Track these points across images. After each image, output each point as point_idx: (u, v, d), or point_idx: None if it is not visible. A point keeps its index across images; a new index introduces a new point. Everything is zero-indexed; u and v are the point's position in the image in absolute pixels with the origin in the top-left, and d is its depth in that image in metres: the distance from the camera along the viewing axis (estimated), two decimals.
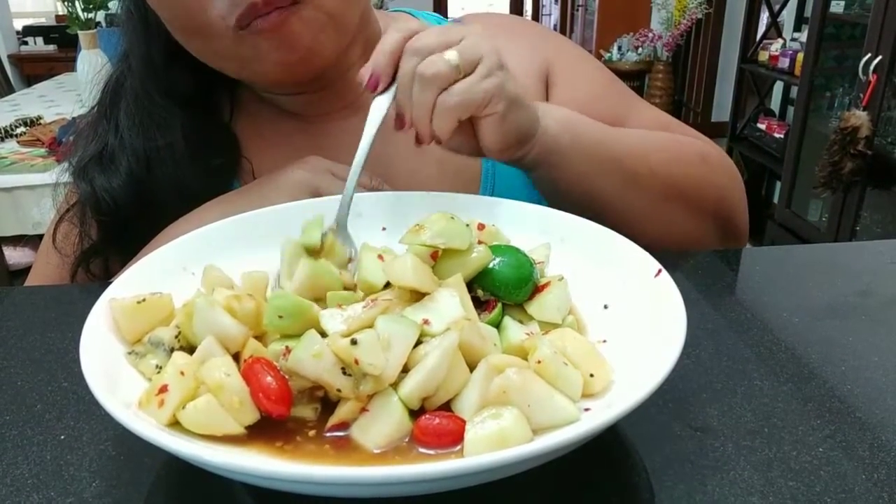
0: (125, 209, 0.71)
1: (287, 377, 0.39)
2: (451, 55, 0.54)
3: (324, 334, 0.41)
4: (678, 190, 0.69)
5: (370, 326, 0.40)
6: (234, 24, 0.61)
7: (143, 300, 0.45)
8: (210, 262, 0.51)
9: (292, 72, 0.66)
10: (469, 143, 0.59)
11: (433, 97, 0.53)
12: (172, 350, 0.42)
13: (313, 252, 0.53)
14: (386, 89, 0.56)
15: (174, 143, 0.71)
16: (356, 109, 0.76)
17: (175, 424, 0.37)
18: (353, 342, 0.37)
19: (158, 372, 0.41)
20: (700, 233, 0.71)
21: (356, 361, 0.37)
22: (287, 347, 0.40)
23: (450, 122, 0.55)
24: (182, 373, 0.38)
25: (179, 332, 0.44)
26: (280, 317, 0.41)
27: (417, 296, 0.45)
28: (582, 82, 0.79)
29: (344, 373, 0.38)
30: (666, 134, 0.74)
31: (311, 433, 0.39)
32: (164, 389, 0.38)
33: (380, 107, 0.56)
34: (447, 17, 0.86)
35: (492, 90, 0.55)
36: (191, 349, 0.43)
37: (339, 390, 0.38)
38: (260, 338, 0.44)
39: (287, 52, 0.64)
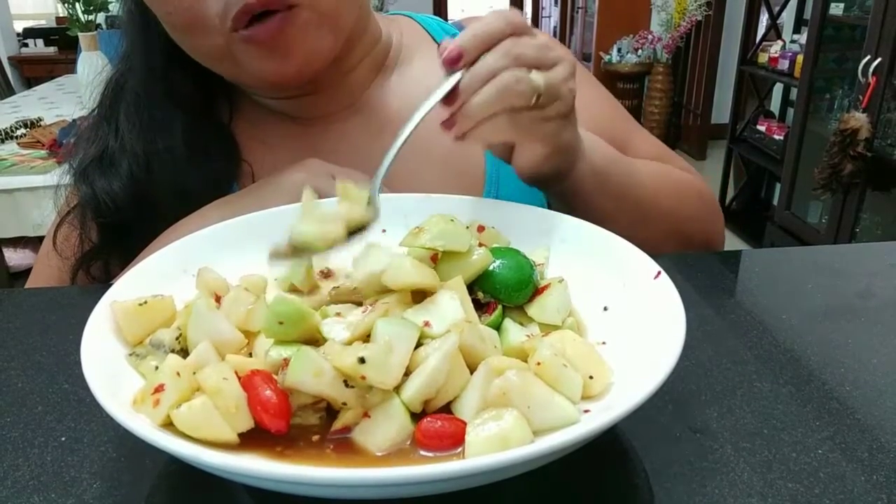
0: (125, 212, 0.71)
1: (287, 392, 0.39)
2: (539, 81, 0.52)
3: (319, 342, 0.41)
4: (677, 227, 0.71)
5: (370, 332, 0.40)
6: (230, 25, 0.62)
7: (145, 302, 0.45)
8: (208, 264, 0.51)
9: (288, 78, 0.67)
10: (502, 149, 0.59)
11: (499, 110, 0.51)
12: (173, 352, 0.42)
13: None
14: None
15: (174, 146, 0.71)
16: (355, 112, 0.76)
17: (169, 426, 0.37)
18: (362, 360, 0.37)
19: None
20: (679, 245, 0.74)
21: (363, 378, 0.37)
22: (285, 360, 0.40)
23: (495, 138, 0.55)
24: (178, 373, 0.38)
25: (181, 335, 0.44)
26: (280, 323, 0.41)
27: (418, 297, 0.45)
28: (583, 104, 0.79)
29: (346, 385, 0.38)
30: (672, 170, 0.76)
31: (315, 439, 0.39)
32: (160, 389, 0.37)
33: (446, 84, 0.51)
34: (447, 20, 0.86)
35: (551, 132, 0.55)
36: (187, 353, 0.42)
37: (344, 404, 0.38)
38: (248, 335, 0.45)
39: (282, 62, 0.64)
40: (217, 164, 0.73)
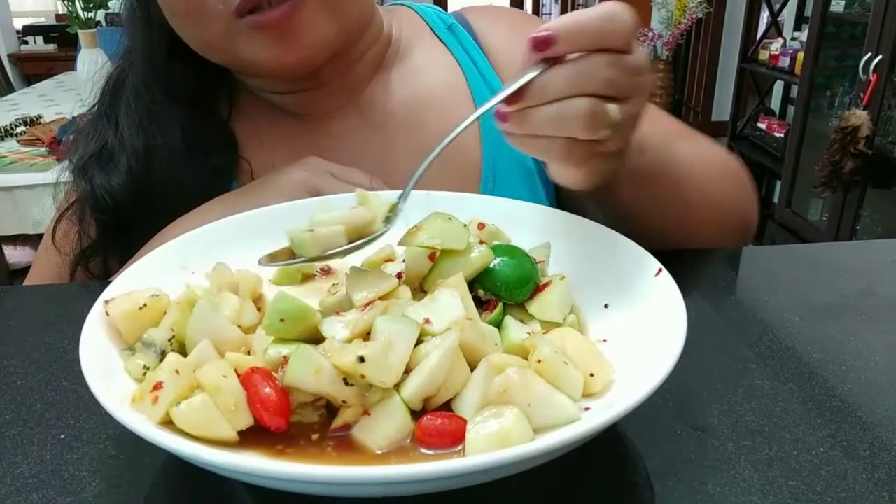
0: (124, 208, 0.71)
1: (287, 390, 0.39)
2: (615, 118, 0.45)
3: (319, 340, 0.41)
4: (716, 210, 0.67)
5: (370, 329, 0.40)
6: (234, 11, 0.61)
7: (144, 305, 0.44)
8: (212, 261, 0.51)
9: (289, 67, 0.66)
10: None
11: (557, 134, 0.45)
12: (163, 352, 0.42)
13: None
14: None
15: (173, 143, 0.71)
16: (355, 109, 0.76)
17: (168, 424, 0.37)
18: (361, 359, 0.37)
19: (145, 373, 0.41)
20: (720, 241, 0.70)
21: (363, 376, 0.37)
22: (284, 357, 0.39)
23: (541, 156, 0.49)
24: (177, 371, 0.38)
25: (173, 336, 0.43)
26: (282, 320, 0.41)
27: (420, 294, 0.45)
28: None
29: (346, 383, 0.38)
30: (710, 150, 0.72)
31: (315, 438, 0.38)
32: (158, 386, 0.37)
33: (519, 80, 0.44)
34: (446, 10, 0.85)
35: (599, 165, 0.50)
36: (182, 352, 0.42)
37: (344, 402, 0.38)
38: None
39: (286, 50, 0.63)
40: (216, 161, 0.73)
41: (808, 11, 3.29)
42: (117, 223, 0.71)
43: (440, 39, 0.80)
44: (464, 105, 0.76)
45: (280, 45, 0.63)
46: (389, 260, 0.54)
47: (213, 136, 0.74)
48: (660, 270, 0.46)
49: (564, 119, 0.44)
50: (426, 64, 0.78)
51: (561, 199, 0.80)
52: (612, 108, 0.45)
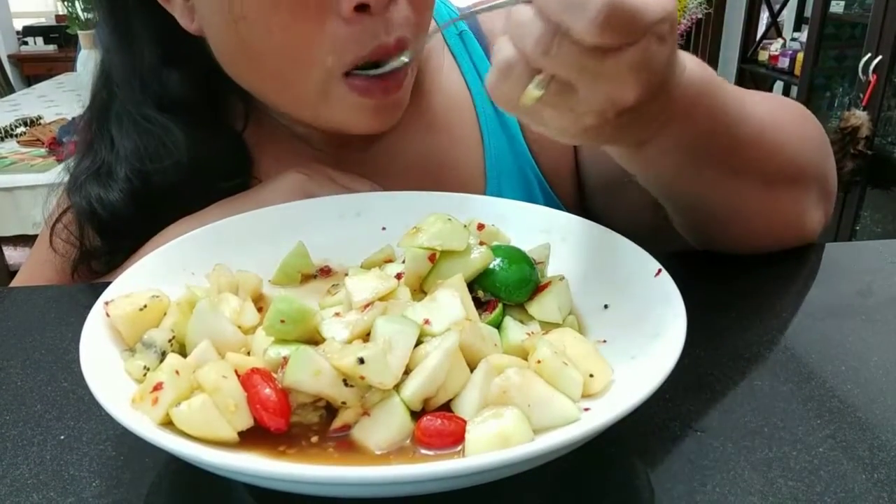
0: (124, 220, 0.69)
1: (287, 391, 0.39)
2: (537, 92, 0.39)
3: (319, 341, 0.41)
4: (794, 169, 0.58)
5: (370, 330, 0.40)
6: (345, 65, 0.59)
7: (145, 306, 0.44)
8: (212, 262, 0.52)
9: (371, 131, 0.66)
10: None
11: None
12: (164, 353, 0.42)
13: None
14: None
15: (175, 157, 0.69)
16: (372, 140, 0.74)
17: (168, 425, 0.37)
18: (361, 361, 0.37)
19: (145, 373, 0.41)
20: (802, 207, 0.62)
21: (362, 377, 0.37)
22: (284, 358, 0.39)
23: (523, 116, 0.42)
24: (177, 372, 0.38)
25: (173, 337, 0.43)
26: (282, 321, 0.41)
27: (420, 295, 0.45)
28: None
29: (346, 384, 0.38)
30: (777, 101, 0.60)
31: (314, 439, 0.38)
32: (158, 387, 0.37)
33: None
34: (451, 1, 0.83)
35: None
36: (182, 353, 0.42)
37: (344, 403, 0.38)
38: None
39: (382, 120, 0.64)
40: (229, 183, 0.69)
41: (808, 12, 3.30)
42: (118, 230, 0.70)
43: (449, 49, 0.78)
44: (470, 129, 0.75)
45: (378, 115, 0.62)
46: (389, 260, 0.54)
47: (222, 146, 0.71)
48: (660, 270, 0.46)
49: (497, 62, 0.39)
50: (437, 86, 0.76)
51: (586, 204, 0.79)
52: (536, 81, 0.38)
